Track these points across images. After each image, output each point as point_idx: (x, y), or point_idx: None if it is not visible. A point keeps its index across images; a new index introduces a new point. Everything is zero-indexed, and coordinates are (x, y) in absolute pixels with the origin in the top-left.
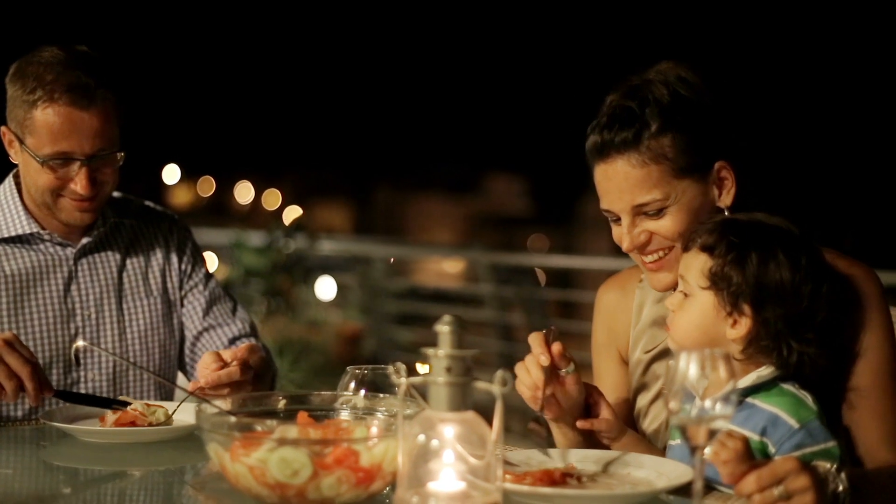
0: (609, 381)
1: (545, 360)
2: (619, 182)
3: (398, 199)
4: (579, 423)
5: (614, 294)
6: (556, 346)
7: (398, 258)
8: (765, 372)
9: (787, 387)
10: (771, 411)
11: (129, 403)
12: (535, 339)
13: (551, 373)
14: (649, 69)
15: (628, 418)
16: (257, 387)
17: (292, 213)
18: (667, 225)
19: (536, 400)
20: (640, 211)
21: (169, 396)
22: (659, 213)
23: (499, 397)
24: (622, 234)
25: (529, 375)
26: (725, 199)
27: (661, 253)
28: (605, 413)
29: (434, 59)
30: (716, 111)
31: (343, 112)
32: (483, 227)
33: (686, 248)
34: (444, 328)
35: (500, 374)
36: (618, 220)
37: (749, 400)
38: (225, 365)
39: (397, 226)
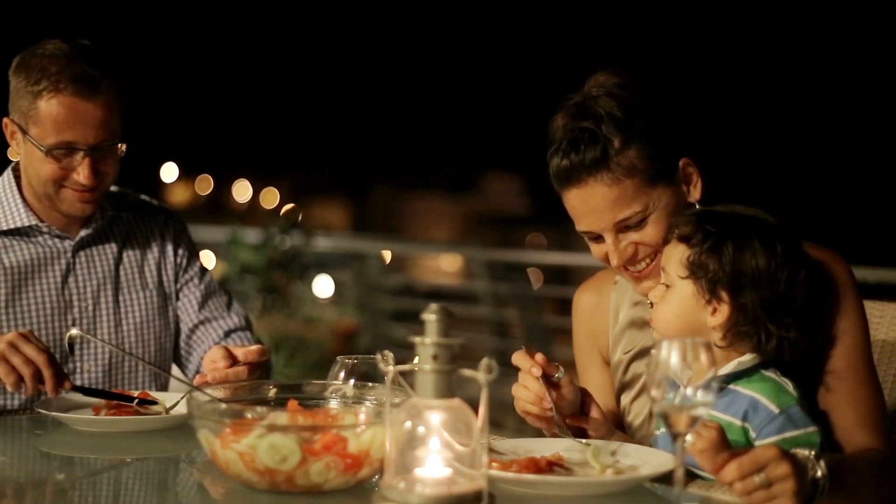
0: (595, 384)
1: (538, 371)
2: (597, 203)
3: (396, 197)
4: (569, 421)
5: (590, 297)
6: (540, 356)
7: (394, 255)
8: (746, 358)
9: (768, 373)
10: (752, 396)
11: (156, 402)
12: (520, 357)
13: (547, 382)
14: (585, 84)
15: (616, 419)
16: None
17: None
18: (650, 233)
19: (545, 412)
20: (622, 226)
21: (164, 388)
22: (641, 223)
23: (484, 385)
24: (609, 252)
25: (529, 390)
26: (694, 193)
27: (647, 261)
28: (594, 412)
29: (432, 59)
30: (666, 110)
31: (341, 111)
32: (481, 226)
33: (666, 241)
34: (430, 317)
35: (485, 361)
36: (596, 238)
37: (731, 386)
38: (234, 363)
39: (395, 225)
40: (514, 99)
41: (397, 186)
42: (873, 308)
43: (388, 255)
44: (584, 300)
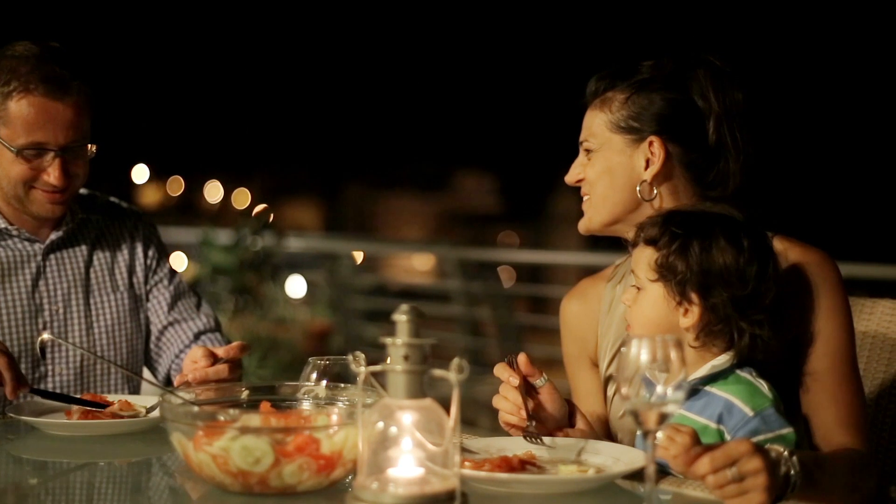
0: (584, 390)
1: (515, 380)
2: (587, 114)
3: (368, 197)
4: (555, 433)
5: (576, 303)
6: (523, 358)
7: (366, 255)
8: (719, 361)
9: (744, 374)
10: (726, 399)
11: (110, 404)
12: (500, 369)
13: (528, 390)
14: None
15: (606, 424)
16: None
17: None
18: (590, 170)
19: (524, 422)
20: (583, 146)
21: (136, 391)
22: (588, 152)
23: (456, 384)
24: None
25: (508, 400)
26: (647, 172)
27: (585, 196)
28: (580, 423)
29: (403, 59)
30: (687, 103)
31: (313, 110)
32: (453, 225)
33: (634, 244)
34: (401, 317)
35: (456, 361)
36: None
37: (706, 388)
38: (215, 362)
39: (368, 224)
40: (485, 97)
41: (369, 186)
42: (864, 304)
43: (360, 256)
44: (571, 307)
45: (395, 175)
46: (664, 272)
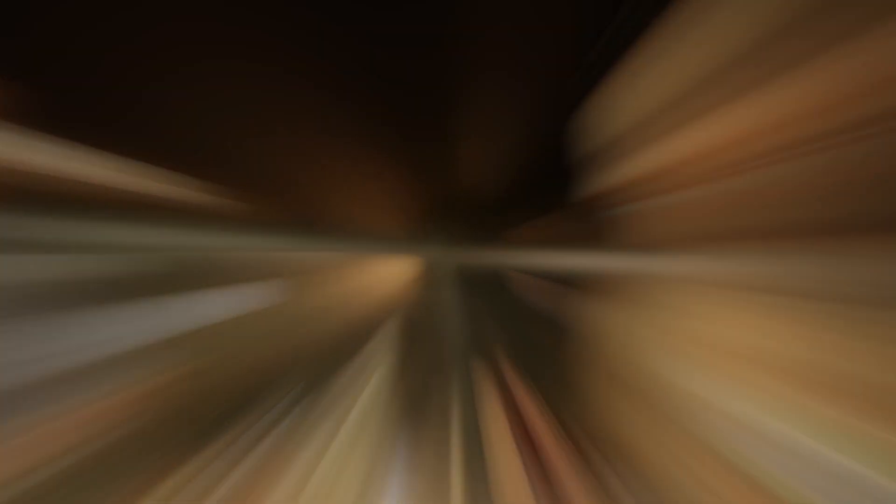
0: (621, 427)
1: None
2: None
3: (316, 170)
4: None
5: (615, 315)
6: (524, 398)
7: (324, 259)
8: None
9: None
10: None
11: None
12: (499, 407)
13: (534, 430)
14: None
15: (649, 475)
16: None
17: (175, 197)
18: None
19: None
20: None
21: None
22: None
23: (456, 416)
24: None
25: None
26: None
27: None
28: (608, 475)
29: None
30: None
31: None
32: (444, 214)
33: (704, 238)
34: (382, 340)
35: (455, 387)
36: None
37: (854, 466)
38: None
39: (323, 214)
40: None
41: (314, 153)
42: None
43: (314, 260)
44: (608, 321)
45: (349, 132)
46: (777, 280)
